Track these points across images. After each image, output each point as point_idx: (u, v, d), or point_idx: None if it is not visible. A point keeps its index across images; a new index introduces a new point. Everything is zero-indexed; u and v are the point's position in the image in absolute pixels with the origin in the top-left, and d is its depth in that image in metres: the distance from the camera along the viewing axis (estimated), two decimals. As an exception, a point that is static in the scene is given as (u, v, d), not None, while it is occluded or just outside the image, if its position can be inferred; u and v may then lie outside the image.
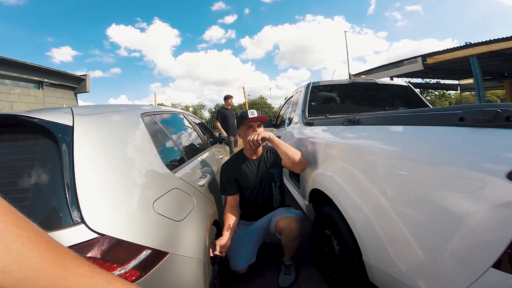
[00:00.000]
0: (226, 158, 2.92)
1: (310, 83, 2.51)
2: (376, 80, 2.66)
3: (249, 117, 1.59)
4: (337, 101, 2.63)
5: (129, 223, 0.80)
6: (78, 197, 0.73)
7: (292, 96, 3.07)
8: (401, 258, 0.87)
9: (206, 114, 15.41)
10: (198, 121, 2.68)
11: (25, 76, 6.70)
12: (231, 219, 1.50)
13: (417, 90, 2.70)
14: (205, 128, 2.87)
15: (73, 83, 8.42)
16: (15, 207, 0.70)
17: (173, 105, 12.50)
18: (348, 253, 1.18)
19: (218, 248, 1.25)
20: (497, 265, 0.59)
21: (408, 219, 0.84)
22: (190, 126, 2.19)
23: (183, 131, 1.99)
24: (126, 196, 0.87)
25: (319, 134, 1.73)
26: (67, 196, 0.73)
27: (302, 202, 1.99)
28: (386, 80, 3.07)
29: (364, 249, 1.05)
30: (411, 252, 0.82)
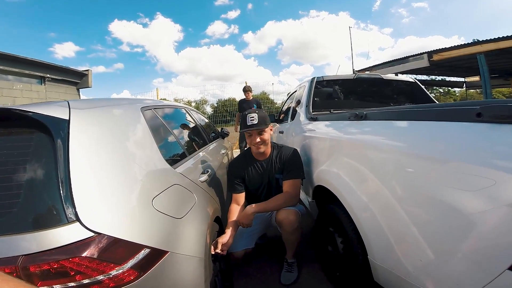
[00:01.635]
0: (229, 153, 2.89)
1: (314, 77, 2.46)
2: (382, 75, 2.60)
3: (248, 124, 1.52)
4: (342, 97, 2.58)
5: (127, 221, 0.77)
6: (73, 194, 0.70)
7: (295, 91, 3.02)
8: (409, 258, 0.84)
9: (209, 109, 15.36)
10: (200, 116, 2.64)
11: (27, 72, 6.72)
12: (235, 217, 1.49)
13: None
14: (207, 123, 2.83)
15: (75, 78, 8.41)
16: (6, 205, 0.68)
17: (176, 100, 12.45)
18: (353, 251, 1.15)
19: (219, 246, 1.23)
20: None
21: (418, 218, 0.81)
22: (192, 120, 2.16)
23: (185, 125, 1.96)
24: (124, 192, 0.83)
25: (324, 129, 1.69)
26: (61, 193, 0.70)
27: (305, 198, 1.95)
28: (392, 76, 3.00)
29: (370, 248, 1.02)
30: (420, 252, 0.79)
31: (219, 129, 3.07)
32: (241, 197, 1.60)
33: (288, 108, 3.06)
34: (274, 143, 1.72)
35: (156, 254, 0.78)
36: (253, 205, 1.48)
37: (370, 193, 1.03)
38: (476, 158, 0.66)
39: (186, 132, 1.90)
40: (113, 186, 0.81)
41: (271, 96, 12.47)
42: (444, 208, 0.71)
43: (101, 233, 0.68)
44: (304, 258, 1.74)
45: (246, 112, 1.58)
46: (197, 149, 1.80)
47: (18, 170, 0.74)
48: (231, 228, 1.39)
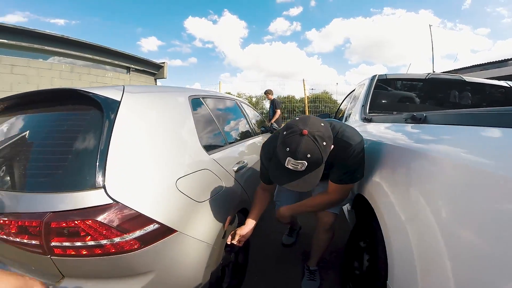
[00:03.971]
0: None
1: (376, 75, 2.18)
2: (464, 77, 2.13)
3: (287, 166, 0.91)
4: (410, 99, 2.23)
5: (147, 195, 0.84)
6: (107, 164, 0.80)
7: (354, 90, 2.76)
8: None
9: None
10: (251, 110, 2.69)
11: (116, 62, 8.21)
12: (258, 205, 1.36)
13: None
14: (257, 116, 2.86)
15: (154, 70, 9.79)
16: (55, 166, 0.81)
17: (239, 95, 13.03)
18: (376, 272, 1.00)
19: (237, 237, 1.18)
20: None
21: (458, 252, 0.63)
22: (240, 112, 2.21)
23: (231, 116, 2.02)
24: (151, 170, 0.92)
25: (374, 131, 1.50)
26: (98, 162, 0.80)
27: (345, 206, 1.79)
28: (478, 78, 2.39)
29: (392, 272, 0.88)
30: None
31: (269, 124, 3.07)
32: (270, 187, 1.42)
33: (346, 108, 2.84)
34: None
35: (164, 231, 0.83)
36: (286, 207, 1.39)
37: (410, 211, 0.87)
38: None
39: (231, 123, 1.96)
40: (142, 162, 0.90)
41: (334, 96, 11.80)
42: (497, 245, 0.53)
43: (119, 202, 0.76)
44: (321, 268, 1.61)
45: (288, 146, 0.89)
46: (239, 140, 1.84)
47: (73, 138, 0.89)
48: (251, 219, 1.29)
